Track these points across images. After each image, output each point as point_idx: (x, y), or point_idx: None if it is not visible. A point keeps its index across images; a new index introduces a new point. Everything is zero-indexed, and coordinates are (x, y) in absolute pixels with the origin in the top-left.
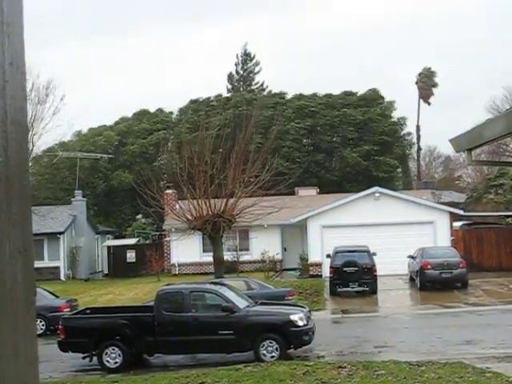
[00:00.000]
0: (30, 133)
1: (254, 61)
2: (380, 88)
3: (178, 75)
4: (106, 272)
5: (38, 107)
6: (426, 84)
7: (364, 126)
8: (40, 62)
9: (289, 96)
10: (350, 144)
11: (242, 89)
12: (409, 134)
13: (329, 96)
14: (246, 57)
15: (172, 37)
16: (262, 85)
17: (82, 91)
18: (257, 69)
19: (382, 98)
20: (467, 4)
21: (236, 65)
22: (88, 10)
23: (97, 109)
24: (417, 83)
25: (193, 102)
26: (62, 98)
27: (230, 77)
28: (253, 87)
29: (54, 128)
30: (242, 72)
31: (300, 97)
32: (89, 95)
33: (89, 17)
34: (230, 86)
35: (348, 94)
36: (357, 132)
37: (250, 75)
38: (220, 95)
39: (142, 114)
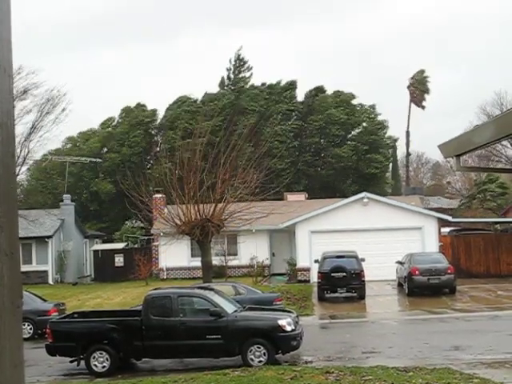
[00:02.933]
0: (28, 139)
1: (246, 65)
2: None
3: (169, 84)
4: (93, 276)
5: (42, 117)
6: (418, 88)
7: (352, 128)
8: (46, 71)
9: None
10: (339, 143)
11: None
12: (390, 137)
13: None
14: (240, 61)
15: (161, 48)
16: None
17: (77, 100)
18: (248, 74)
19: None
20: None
21: (228, 70)
22: (72, 21)
23: (89, 115)
24: (408, 87)
25: (181, 101)
26: (63, 109)
27: (222, 82)
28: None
29: (51, 137)
30: (233, 77)
31: (287, 100)
32: (82, 104)
33: (77, 28)
34: (221, 91)
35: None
36: (344, 132)
37: (242, 80)
38: (211, 94)
39: (130, 118)
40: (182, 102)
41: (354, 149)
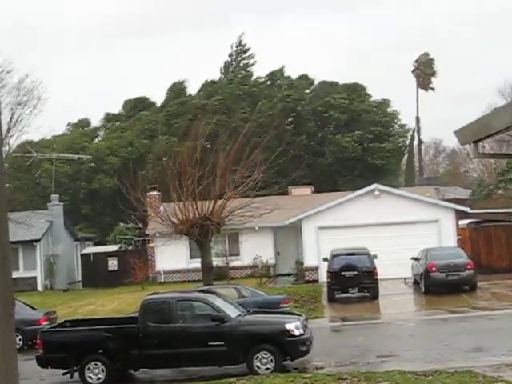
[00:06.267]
0: (7, 136)
1: (248, 53)
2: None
3: (168, 77)
4: (84, 281)
5: (19, 109)
6: (423, 72)
7: (357, 116)
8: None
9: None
10: (343, 132)
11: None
12: (403, 126)
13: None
14: (241, 47)
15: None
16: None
17: (68, 94)
18: (251, 61)
19: (367, 93)
20: None
21: (230, 55)
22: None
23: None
24: (413, 71)
25: (178, 89)
26: (39, 99)
27: (225, 67)
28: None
29: (32, 131)
30: (235, 64)
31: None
32: (74, 97)
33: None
34: (223, 77)
35: (335, 85)
36: (350, 120)
37: (245, 68)
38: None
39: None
40: (178, 93)
41: (358, 138)
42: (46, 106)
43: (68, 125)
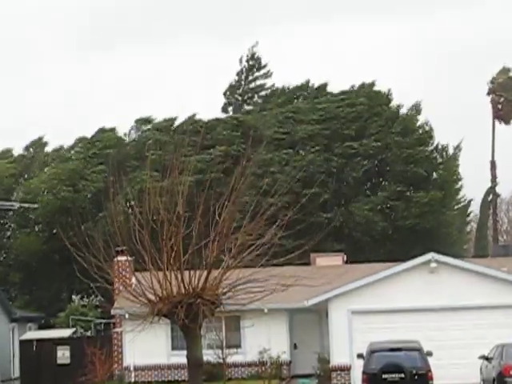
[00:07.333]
0: None
1: (263, 70)
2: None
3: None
4: (24, 379)
5: None
6: (503, 97)
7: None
8: None
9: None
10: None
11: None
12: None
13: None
14: (255, 62)
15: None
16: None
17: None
18: (269, 83)
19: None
20: None
21: (238, 74)
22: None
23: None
24: (489, 94)
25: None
26: None
27: (230, 90)
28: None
29: None
30: (244, 85)
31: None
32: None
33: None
34: (225, 102)
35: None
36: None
37: (257, 90)
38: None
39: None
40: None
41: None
42: None
43: None
